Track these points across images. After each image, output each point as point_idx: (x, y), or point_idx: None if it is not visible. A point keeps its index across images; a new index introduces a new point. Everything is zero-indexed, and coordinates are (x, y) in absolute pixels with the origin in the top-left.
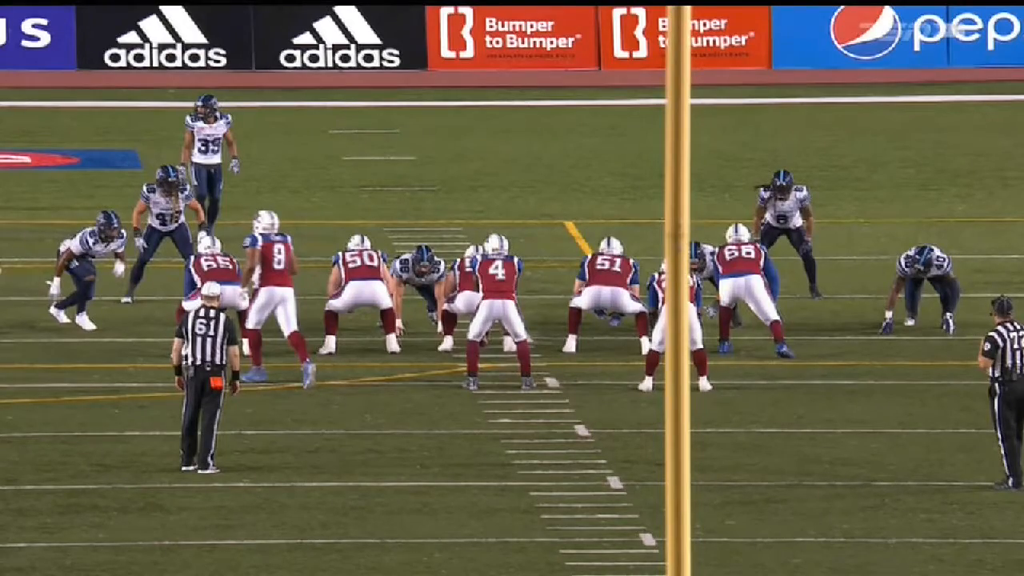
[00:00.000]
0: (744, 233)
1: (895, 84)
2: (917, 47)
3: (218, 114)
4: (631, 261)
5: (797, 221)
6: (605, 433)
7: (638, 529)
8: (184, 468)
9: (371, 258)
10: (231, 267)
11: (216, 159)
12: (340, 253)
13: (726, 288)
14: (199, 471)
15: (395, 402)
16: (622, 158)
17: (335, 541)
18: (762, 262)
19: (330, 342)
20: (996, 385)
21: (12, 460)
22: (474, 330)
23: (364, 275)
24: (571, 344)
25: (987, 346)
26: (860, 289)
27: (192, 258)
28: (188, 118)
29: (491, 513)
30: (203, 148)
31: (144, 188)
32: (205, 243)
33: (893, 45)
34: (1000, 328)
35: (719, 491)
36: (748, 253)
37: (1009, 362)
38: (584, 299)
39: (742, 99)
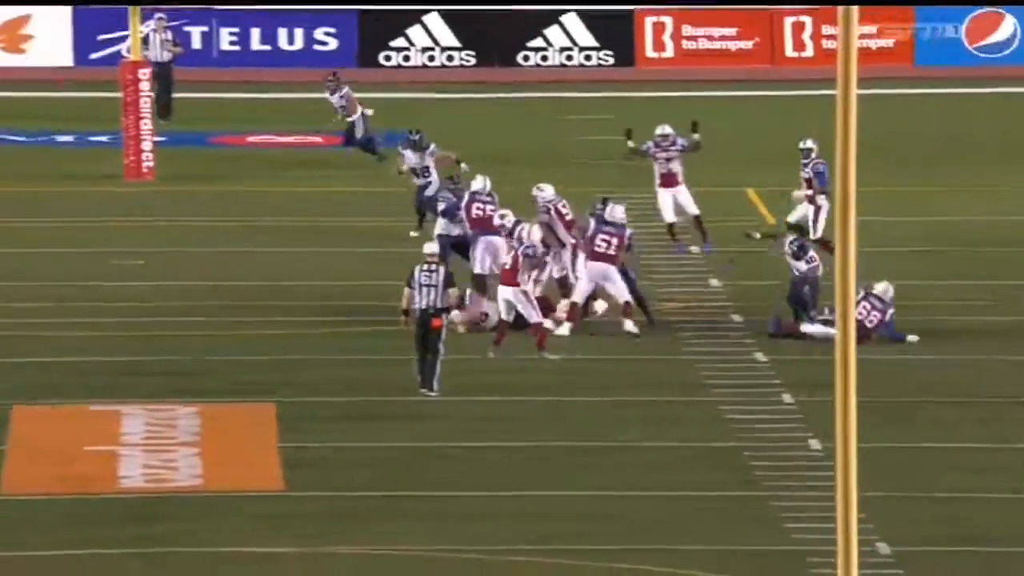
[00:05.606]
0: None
1: (1018, 78)
2: None
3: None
4: (626, 234)
5: None
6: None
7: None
8: (421, 389)
9: (494, 214)
10: (492, 215)
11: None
12: (468, 192)
13: None
14: (428, 393)
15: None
16: (793, 136)
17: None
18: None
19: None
20: None
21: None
22: None
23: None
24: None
25: None
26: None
27: (467, 196)
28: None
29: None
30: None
31: (399, 146)
32: (478, 184)
33: (1014, 44)
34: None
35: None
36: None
37: None
38: (582, 284)
39: (890, 90)
